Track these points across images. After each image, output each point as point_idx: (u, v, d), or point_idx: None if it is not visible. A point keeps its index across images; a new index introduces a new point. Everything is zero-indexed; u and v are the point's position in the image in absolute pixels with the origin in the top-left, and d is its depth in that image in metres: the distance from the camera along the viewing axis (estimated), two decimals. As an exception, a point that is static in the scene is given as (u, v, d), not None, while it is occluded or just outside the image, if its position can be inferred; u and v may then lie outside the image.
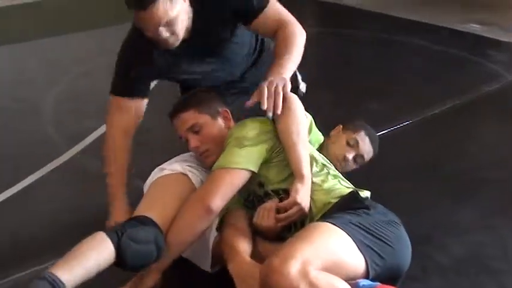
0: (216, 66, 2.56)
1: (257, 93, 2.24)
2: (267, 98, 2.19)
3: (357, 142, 2.57)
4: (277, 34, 2.42)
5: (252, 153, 2.21)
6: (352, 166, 2.60)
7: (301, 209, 2.11)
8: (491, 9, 5.99)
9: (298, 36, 2.41)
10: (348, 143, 2.57)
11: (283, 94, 2.22)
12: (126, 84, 2.50)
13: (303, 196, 2.12)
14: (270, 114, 2.19)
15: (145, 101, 2.53)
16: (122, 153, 2.49)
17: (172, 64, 2.49)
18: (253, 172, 2.21)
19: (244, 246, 2.18)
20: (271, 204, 2.16)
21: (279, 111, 2.19)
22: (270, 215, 2.13)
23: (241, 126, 2.30)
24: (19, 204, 3.06)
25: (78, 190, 3.19)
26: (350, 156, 2.56)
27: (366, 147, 2.59)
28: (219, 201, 2.15)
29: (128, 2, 2.24)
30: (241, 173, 2.19)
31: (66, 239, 2.68)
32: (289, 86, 2.26)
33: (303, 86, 2.88)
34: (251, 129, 2.26)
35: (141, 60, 2.45)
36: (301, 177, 2.15)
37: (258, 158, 2.22)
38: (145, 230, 2.12)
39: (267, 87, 2.21)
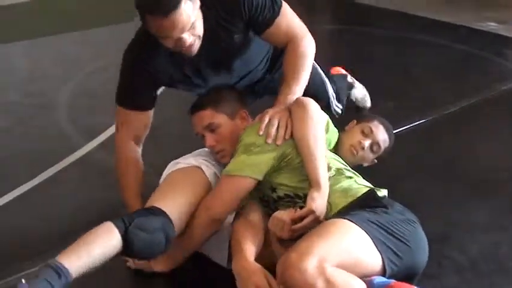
0: (236, 74, 2.50)
1: (259, 118, 2.27)
2: (270, 127, 2.20)
3: (371, 130, 2.57)
4: (287, 50, 2.38)
5: (258, 161, 2.20)
6: (369, 156, 2.59)
7: (317, 218, 2.09)
8: (509, 7, 5.95)
9: (307, 56, 2.39)
10: (362, 132, 2.58)
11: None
12: (134, 97, 2.41)
13: (319, 205, 2.11)
14: (270, 141, 2.20)
15: (153, 110, 2.47)
16: (134, 166, 2.49)
17: (189, 73, 2.39)
18: (258, 180, 2.21)
19: (251, 244, 2.16)
20: (287, 216, 2.09)
21: (279, 142, 2.20)
22: (285, 227, 2.09)
23: (252, 130, 2.27)
24: (35, 200, 3.07)
25: (94, 185, 3.19)
26: (366, 143, 2.55)
27: (381, 135, 2.59)
28: (222, 209, 2.22)
29: (141, 7, 2.01)
30: (246, 181, 2.21)
31: (83, 234, 2.71)
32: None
33: (337, 107, 2.95)
34: (261, 134, 2.24)
35: (149, 70, 2.34)
36: (318, 185, 2.14)
37: (264, 166, 2.21)
38: (153, 219, 2.12)
39: (271, 118, 2.23)
